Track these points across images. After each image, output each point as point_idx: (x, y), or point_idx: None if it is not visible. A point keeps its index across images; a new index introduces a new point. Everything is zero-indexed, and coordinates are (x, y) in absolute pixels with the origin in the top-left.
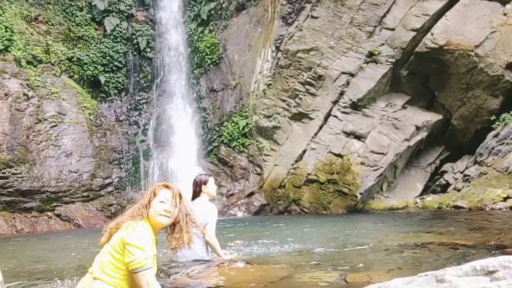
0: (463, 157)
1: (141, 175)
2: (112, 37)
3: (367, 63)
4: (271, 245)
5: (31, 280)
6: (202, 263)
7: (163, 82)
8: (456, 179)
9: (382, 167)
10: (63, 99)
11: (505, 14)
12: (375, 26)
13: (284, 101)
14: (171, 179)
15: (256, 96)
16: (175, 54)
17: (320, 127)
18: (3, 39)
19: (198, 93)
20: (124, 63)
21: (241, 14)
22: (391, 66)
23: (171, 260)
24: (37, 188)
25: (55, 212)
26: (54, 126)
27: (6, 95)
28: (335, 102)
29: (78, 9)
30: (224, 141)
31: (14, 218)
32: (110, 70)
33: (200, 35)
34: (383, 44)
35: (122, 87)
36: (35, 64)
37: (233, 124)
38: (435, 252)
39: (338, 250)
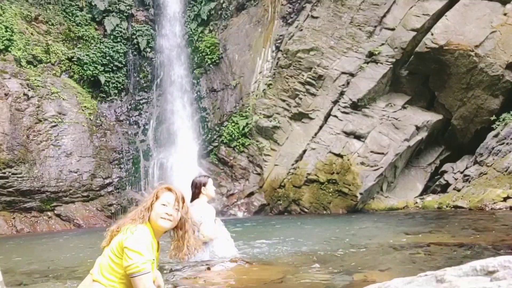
0: (463, 157)
1: (141, 175)
2: (112, 37)
3: (367, 63)
4: (272, 245)
5: (31, 280)
6: (202, 264)
7: (163, 82)
8: (456, 179)
9: (382, 167)
10: (63, 99)
11: (505, 14)
12: (375, 26)
13: (284, 101)
14: (171, 179)
15: (256, 96)
16: (175, 54)
17: (320, 127)
18: (3, 39)
19: (198, 93)
20: (124, 63)
21: (241, 14)
22: (391, 66)
23: (169, 261)
24: (37, 188)
25: (55, 212)
26: (54, 126)
27: (6, 95)
28: (335, 102)
29: (78, 9)
30: (224, 141)
31: (14, 218)
32: (110, 70)
33: (200, 35)
34: (383, 44)
35: (122, 87)
36: (35, 64)
37: (233, 124)
38: (435, 252)
39: (338, 250)
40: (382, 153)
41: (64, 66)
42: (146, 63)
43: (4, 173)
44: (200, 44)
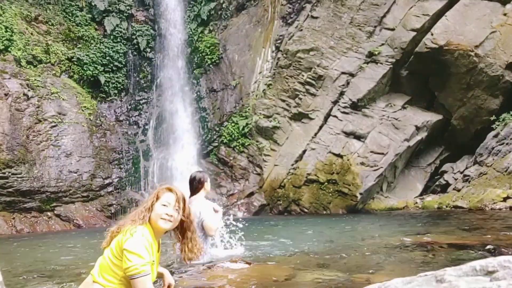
0: (463, 157)
1: (141, 175)
2: (112, 37)
3: (367, 63)
4: (272, 245)
5: (31, 280)
6: (202, 264)
7: (163, 82)
8: (456, 179)
9: (382, 167)
10: (63, 99)
11: (505, 14)
12: (375, 26)
13: (284, 101)
14: (171, 180)
15: (256, 96)
16: (175, 54)
17: (320, 127)
18: (3, 39)
19: (198, 93)
20: (124, 63)
21: (241, 14)
22: (391, 66)
23: (168, 262)
24: (37, 188)
25: (55, 212)
26: (54, 126)
27: (6, 95)
28: (335, 102)
29: (78, 9)
30: (224, 141)
31: (14, 218)
32: (110, 70)
33: (200, 35)
34: (383, 44)
35: (122, 87)
36: (35, 64)
37: (233, 124)
38: (435, 252)
39: (338, 250)
40: (382, 153)
41: (64, 66)
42: (146, 63)
43: (4, 173)
44: (200, 44)
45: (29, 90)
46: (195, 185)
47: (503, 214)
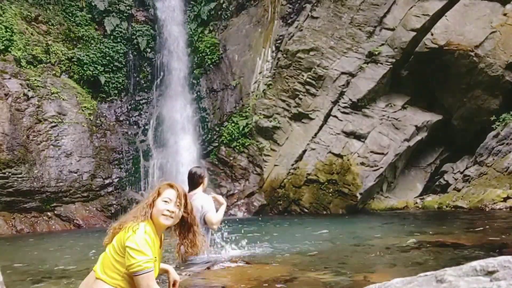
0: (463, 157)
1: (141, 175)
2: (112, 37)
3: (367, 63)
4: (272, 245)
5: (31, 280)
6: (202, 264)
7: (163, 82)
8: (456, 179)
9: (382, 167)
10: (63, 99)
11: (505, 14)
12: (375, 26)
13: (284, 101)
14: (171, 180)
15: (256, 96)
16: (175, 54)
17: (320, 127)
18: (3, 39)
19: (198, 93)
20: (124, 63)
21: (241, 14)
22: (391, 66)
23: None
24: (37, 188)
25: (55, 212)
26: (54, 126)
27: (6, 95)
28: (335, 102)
29: (78, 9)
30: (224, 141)
31: (14, 218)
32: (110, 70)
33: (200, 35)
34: (383, 44)
35: (122, 87)
36: (35, 64)
37: (233, 124)
38: (435, 252)
39: (338, 250)
40: (382, 153)
41: (64, 66)
42: (146, 63)
43: (4, 173)
44: (200, 44)
45: (29, 90)
46: (196, 180)
47: (503, 214)
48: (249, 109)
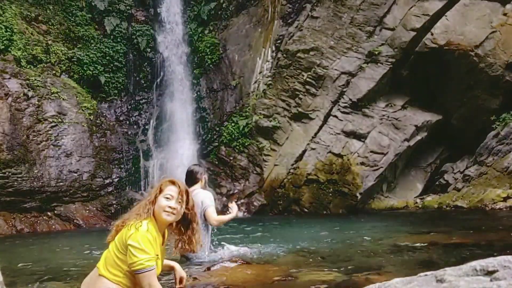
0: (463, 157)
1: (141, 175)
2: (112, 37)
3: (367, 63)
4: (272, 245)
5: (31, 280)
6: (202, 263)
7: (163, 82)
8: (456, 179)
9: (382, 167)
10: (63, 99)
11: (505, 14)
12: (375, 26)
13: (284, 101)
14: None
15: (256, 96)
16: (175, 54)
17: (320, 127)
18: (3, 39)
19: (198, 93)
20: (124, 63)
21: (241, 14)
22: (391, 66)
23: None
24: (37, 188)
25: (55, 212)
26: (54, 126)
27: (6, 95)
28: (335, 102)
29: (78, 9)
30: (224, 141)
31: (14, 218)
32: (110, 70)
33: (200, 35)
34: (383, 44)
35: (122, 87)
36: (35, 64)
37: (233, 124)
38: (435, 252)
39: (338, 250)
40: (382, 153)
41: (64, 66)
42: (146, 63)
43: (4, 173)
44: (200, 44)
45: (29, 90)
46: (194, 177)
47: (503, 214)
48: (249, 109)
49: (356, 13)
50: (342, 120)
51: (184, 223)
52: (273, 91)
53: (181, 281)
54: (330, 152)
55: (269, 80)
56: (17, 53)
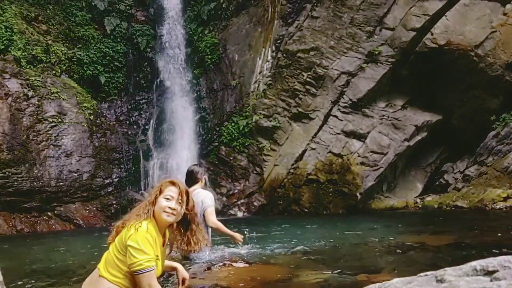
0: (463, 157)
1: (141, 175)
2: (112, 37)
3: (367, 63)
4: (272, 245)
5: (31, 280)
6: (202, 263)
7: (163, 82)
8: (456, 179)
9: (382, 167)
10: (63, 99)
11: (505, 14)
12: (375, 26)
13: (284, 101)
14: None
15: (256, 96)
16: (175, 54)
17: (320, 127)
18: (3, 39)
19: (198, 93)
20: (124, 63)
21: (241, 14)
22: (391, 66)
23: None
24: (37, 188)
25: (55, 212)
26: (54, 126)
27: (6, 95)
28: (335, 102)
29: (78, 9)
30: (224, 141)
31: (14, 218)
32: (110, 70)
33: (200, 35)
34: (383, 44)
35: (122, 87)
36: (35, 64)
37: (233, 124)
38: (435, 252)
39: (338, 250)
40: (382, 153)
41: (64, 66)
42: (146, 63)
43: (4, 173)
44: (200, 44)
45: (29, 90)
46: (195, 177)
47: (503, 213)
48: (249, 109)
49: (356, 13)
50: (342, 120)
51: (183, 224)
52: (273, 91)
53: (183, 282)
54: (330, 152)
55: (269, 80)
56: (17, 53)
